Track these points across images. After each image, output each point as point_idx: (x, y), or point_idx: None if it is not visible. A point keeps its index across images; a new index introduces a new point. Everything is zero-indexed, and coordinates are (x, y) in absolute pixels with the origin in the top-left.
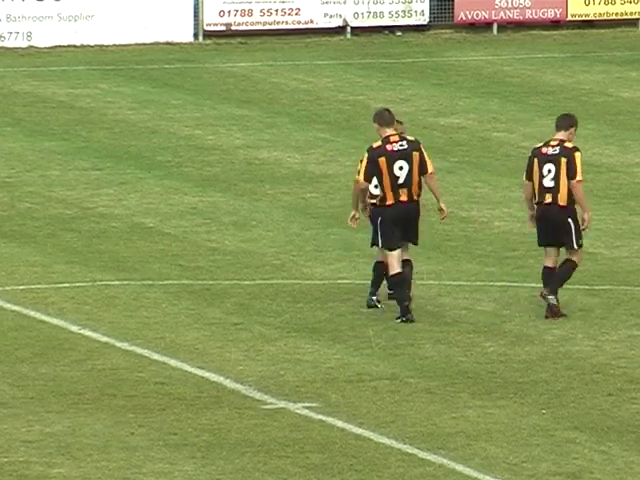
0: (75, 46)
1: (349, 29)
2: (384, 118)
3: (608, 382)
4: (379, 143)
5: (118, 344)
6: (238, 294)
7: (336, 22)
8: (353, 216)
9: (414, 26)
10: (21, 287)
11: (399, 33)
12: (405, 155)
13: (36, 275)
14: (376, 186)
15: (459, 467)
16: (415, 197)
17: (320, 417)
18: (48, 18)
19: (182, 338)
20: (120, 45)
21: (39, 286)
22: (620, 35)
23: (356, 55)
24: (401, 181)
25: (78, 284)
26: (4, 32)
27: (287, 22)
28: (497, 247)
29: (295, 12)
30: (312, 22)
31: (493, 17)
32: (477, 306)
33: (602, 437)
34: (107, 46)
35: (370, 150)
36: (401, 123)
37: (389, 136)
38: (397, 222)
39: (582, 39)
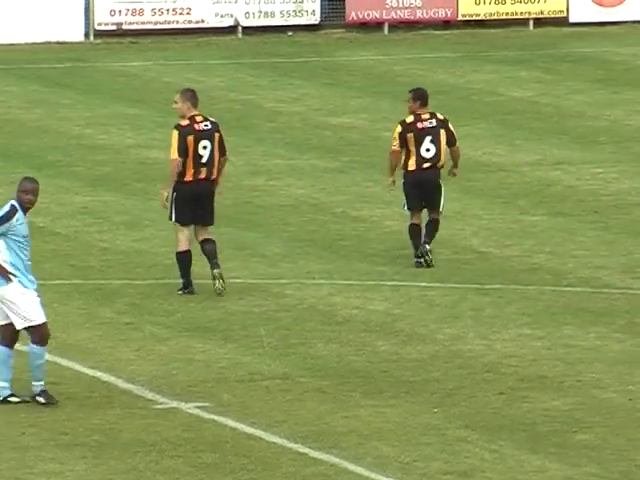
0: None
1: (240, 29)
2: (195, 98)
3: (499, 381)
4: (187, 122)
5: None
6: (129, 294)
7: (227, 22)
8: (166, 198)
9: (305, 26)
10: None
11: (290, 33)
12: (209, 135)
13: None
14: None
15: (351, 466)
16: (212, 176)
17: (212, 417)
18: None
19: (73, 338)
20: (10, 44)
21: None
22: (511, 35)
23: (247, 54)
24: (204, 160)
25: None
26: None
27: (178, 21)
28: (388, 246)
29: (186, 12)
30: (203, 22)
31: (384, 17)
32: (369, 305)
33: (493, 436)
34: None
35: (179, 127)
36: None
37: (194, 116)
38: (193, 199)
39: (473, 39)
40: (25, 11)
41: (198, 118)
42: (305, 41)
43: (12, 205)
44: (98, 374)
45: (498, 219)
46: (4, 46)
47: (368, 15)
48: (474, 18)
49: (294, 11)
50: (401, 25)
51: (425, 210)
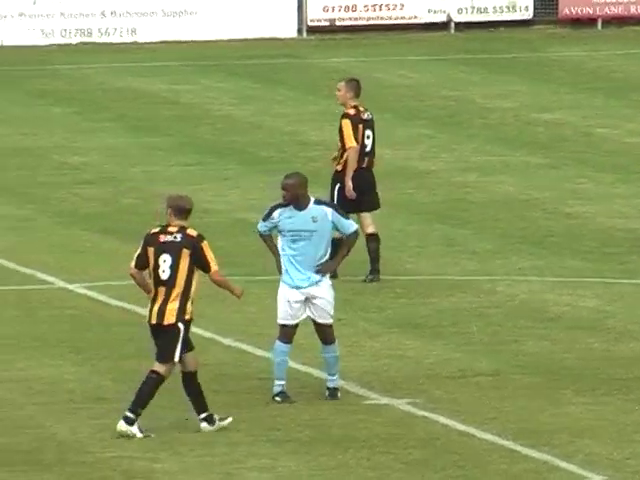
0: (178, 42)
1: (452, 25)
2: (359, 88)
3: None
4: (354, 111)
5: (222, 339)
6: (342, 289)
7: (440, 17)
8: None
9: (518, 21)
10: (124, 282)
11: (502, 29)
12: (371, 125)
13: None
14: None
15: (562, 464)
16: (372, 166)
17: (423, 413)
18: (152, 14)
19: None
20: (223, 41)
21: None
22: None
23: (459, 51)
24: (367, 149)
25: None
26: (109, 28)
27: (391, 17)
28: (600, 243)
29: (399, 7)
30: (416, 17)
31: (597, 12)
32: (580, 302)
33: None
34: (210, 42)
35: (349, 116)
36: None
37: (357, 105)
38: (357, 188)
39: None
40: (238, 8)
41: (361, 108)
42: (517, 37)
43: (277, 203)
44: (310, 370)
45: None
46: (217, 42)
47: (581, 11)
48: None
49: (507, 7)
50: (614, 21)
51: None
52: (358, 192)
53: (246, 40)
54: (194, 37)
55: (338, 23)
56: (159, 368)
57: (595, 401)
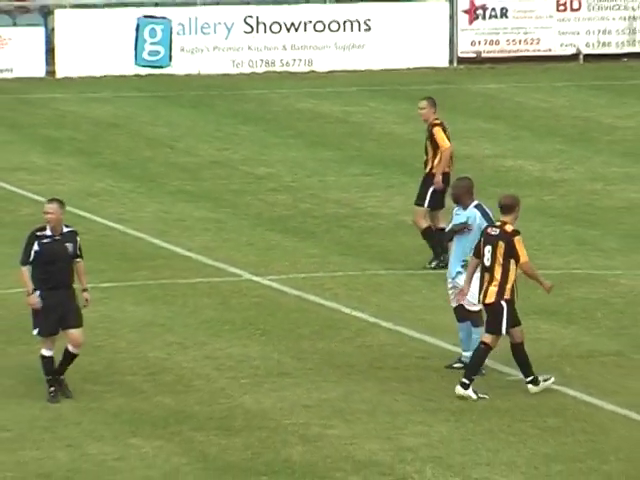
0: (348, 71)
1: (581, 56)
2: (437, 105)
3: None
4: (439, 121)
5: (384, 324)
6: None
7: (570, 50)
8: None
9: (638, 53)
10: (302, 275)
11: (625, 59)
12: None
13: (315, 265)
14: None
15: None
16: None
17: (556, 387)
18: (326, 47)
19: (440, 320)
20: (386, 70)
21: (317, 274)
22: None
23: (587, 78)
24: None
25: (350, 273)
26: (289, 59)
27: (529, 50)
28: None
29: (536, 42)
30: (550, 50)
31: None
32: None
33: None
34: (375, 71)
35: (440, 124)
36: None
37: (437, 118)
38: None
39: None
40: (399, 42)
41: (441, 120)
42: (637, 66)
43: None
44: (459, 350)
45: None
46: (381, 71)
47: None
48: None
49: (627, 41)
50: None
51: None
52: (442, 192)
53: (407, 69)
54: (362, 67)
55: (484, 55)
56: (487, 339)
57: None
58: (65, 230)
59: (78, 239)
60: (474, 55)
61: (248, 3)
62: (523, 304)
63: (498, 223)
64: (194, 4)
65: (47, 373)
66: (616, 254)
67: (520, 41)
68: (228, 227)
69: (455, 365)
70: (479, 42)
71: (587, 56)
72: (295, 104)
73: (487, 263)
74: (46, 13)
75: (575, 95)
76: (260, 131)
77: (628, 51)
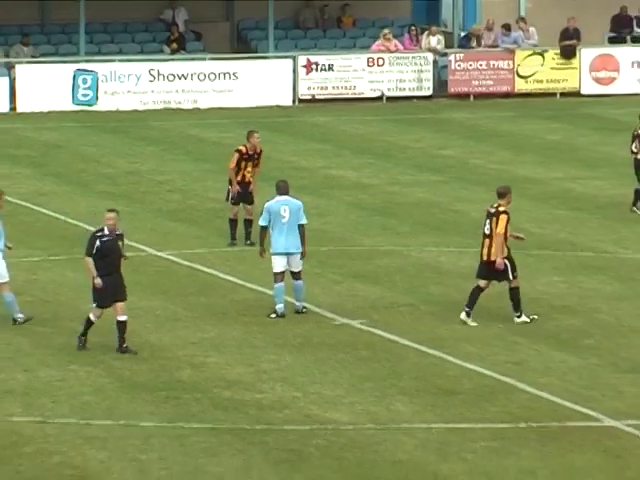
0: (222, 108)
1: (385, 98)
2: None
3: None
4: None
5: (248, 285)
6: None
7: (377, 93)
8: None
9: (424, 96)
10: (190, 251)
11: (414, 100)
12: None
13: (199, 244)
14: None
15: (450, 358)
16: None
17: (367, 328)
18: (206, 91)
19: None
20: (248, 107)
21: (200, 250)
22: None
23: (389, 113)
24: None
25: (224, 249)
26: (181, 99)
27: (348, 93)
28: None
29: (353, 87)
30: (363, 93)
31: (471, 90)
32: None
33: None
34: (241, 108)
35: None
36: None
37: None
38: None
39: None
40: (257, 86)
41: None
42: (423, 105)
43: None
44: (293, 302)
45: None
46: (245, 108)
47: (460, 89)
48: None
49: (417, 87)
50: (480, 96)
51: None
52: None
53: (262, 106)
54: (232, 105)
55: (317, 97)
56: (482, 284)
57: None
58: (117, 232)
59: (124, 240)
60: (310, 97)
61: (151, 60)
62: (340, 270)
63: (495, 204)
64: (113, 61)
65: (85, 331)
66: (409, 235)
67: (342, 87)
68: (138, 217)
69: (272, 315)
70: (313, 88)
71: (389, 98)
72: (185, 132)
73: (487, 232)
74: (10, 67)
75: (381, 125)
76: (160, 150)
77: (417, 94)
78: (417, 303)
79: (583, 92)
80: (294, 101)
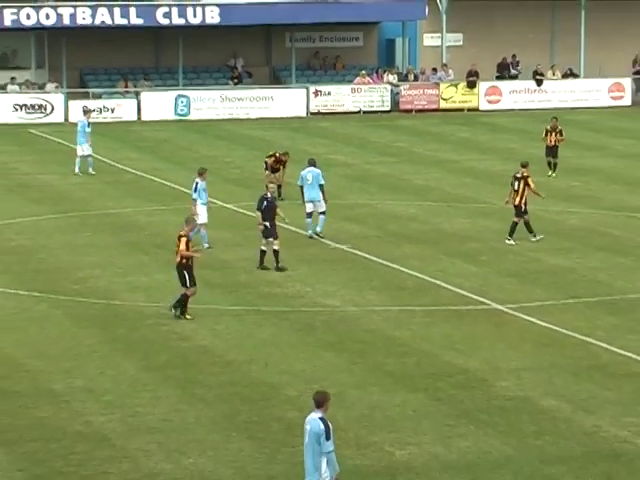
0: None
1: (362, 111)
2: None
3: None
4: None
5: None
6: None
7: (357, 108)
8: None
9: (380, 111)
10: None
11: (380, 113)
12: None
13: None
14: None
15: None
16: None
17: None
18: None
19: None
20: (282, 117)
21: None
22: None
23: (362, 124)
24: None
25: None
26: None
27: (337, 108)
28: None
29: (341, 104)
30: (343, 106)
31: (412, 107)
32: None
33: None
34: (276, 117)
35: None
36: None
37: None
38: None
39: None
40: (283, 105)
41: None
42: (383, 117)
43: None
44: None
45: None
46: (283, 118)
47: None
48: None
49: (381, 105)
50: (419, 112)
51: None
52: None
53: (286, 117)
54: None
55: (321, 111)
56: (515, 219)
57: None
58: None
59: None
60: (317, 111)
61: (221, 89)
62: (335, 215)
63: (520, 172)
64: (199, 89)
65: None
66: (376, 194)
67: (336, 105)
68: (212, 183)
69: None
70: (319, 105)
71: (364, 112)
72: (241, 132)
73: (516, 189)
74: (137, 94)
75: (359, 128)
76: (227, 143)
77: (381, 109)
78: (382, 235)
79: (481, 108)
80: (307, 114)
